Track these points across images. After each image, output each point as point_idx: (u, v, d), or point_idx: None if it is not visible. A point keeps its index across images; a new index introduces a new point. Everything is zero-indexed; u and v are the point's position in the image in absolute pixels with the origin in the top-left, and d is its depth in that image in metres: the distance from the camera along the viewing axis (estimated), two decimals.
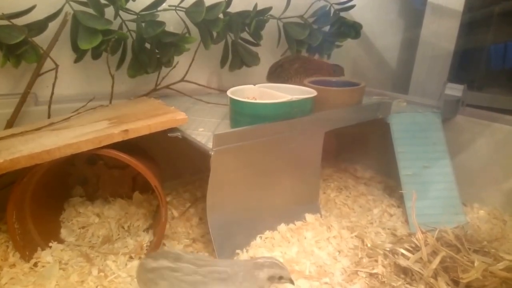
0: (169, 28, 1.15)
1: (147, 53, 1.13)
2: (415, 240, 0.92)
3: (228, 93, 0.95)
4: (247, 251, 0.93)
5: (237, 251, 0.92)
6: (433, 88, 1.60)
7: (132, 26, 1.11)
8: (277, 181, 1.01)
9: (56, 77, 1.04)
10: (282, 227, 1.02)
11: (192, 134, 0.92)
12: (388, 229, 1.08)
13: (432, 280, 0.82)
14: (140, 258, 0.91)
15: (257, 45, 1.33)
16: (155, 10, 1.11)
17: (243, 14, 1.25)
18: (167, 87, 1.22)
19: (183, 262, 0.71)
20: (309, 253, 0.94)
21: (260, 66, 1.34)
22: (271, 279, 0.70)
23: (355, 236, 1.01)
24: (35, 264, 0.87)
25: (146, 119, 0.89)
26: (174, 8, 1.15)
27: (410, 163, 1.15)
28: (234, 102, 0.94)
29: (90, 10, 1.02)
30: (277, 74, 1.25)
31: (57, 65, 1.03)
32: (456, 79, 1.46)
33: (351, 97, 1.14)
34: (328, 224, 1.05)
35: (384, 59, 1.82)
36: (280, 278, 0.71)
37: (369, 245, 0.95)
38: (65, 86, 1.13)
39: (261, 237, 0.98)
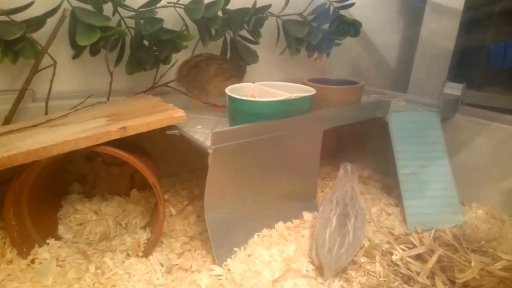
0: (168, 25, 1.15)
1: (145, 50, 1.13)
2: (412, 239, 0.92)
3: (227, 90, 0.95)
4: (244, 249, 0.93)
5: (235, 249, 0.92)
6: (432, 87, 1.60)
7: (131, 23, 1.11)
8: (275, 179, 1.01)
9: (54, 74, 1.04)
10: (280, 225, 1.02)
11: (190, 132, 0.92)
12: (386, 228, 1.08)
13: (429, 279, 0.82)
14: (137, 255, 0.91)
15: (256, 43, 1.33)
16: (153, 7, 1.10)
17: (242, 12, 1.24)
18: (165, 85, 1.22)
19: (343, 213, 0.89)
20: (306, 251, 0.94)
21: (259, 64, 1.33)
22: None
23: None
24: (32, 261, 0.87)
25: (144, 117, 0.89)
26: (173, 5, 1.15)
27: (409, 162, 1.15)
28: (232, 100, 0.94)
29: (89, 7, 1.02)
30: (192, 77, 1.11)
31: (55, 62, 1.03)
32: (455, 78, 1.46)
33: (350, 96, 1.14)
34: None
35: (383, 58, 1.82)
36: None
37: (366, 244, 0.95)
38: (63, 83, 1.13)
39: (258, 235, 0.98)
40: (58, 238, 0.97)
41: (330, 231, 0.85)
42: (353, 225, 0.86)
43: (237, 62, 1.20)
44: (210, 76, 1.11)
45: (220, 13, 1.18)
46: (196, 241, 0.99)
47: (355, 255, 0.89)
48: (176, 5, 1.15)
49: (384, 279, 0.85)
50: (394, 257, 0.89)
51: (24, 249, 0.88)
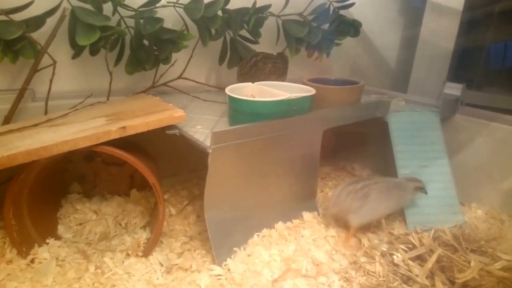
0: (168, 25, 1.15)
1: (145, 49, 1.13)
2: (412, 239, 0.92)
3: (227, 90, 0.95)
4: (244, 249, 0.93)
5: (235, 249, 0.92)
6: (432, 87, 1.60)
7: (131, 22, 1.10)
8: (275, 179, 1.01)
9: (53, 74, 1.04)
10: (280, 225, 1.02)
11: (190, 132, 0.92)
12: (385, 228, 1.08)
13: (428, 279, 0.82)
14: (137, 255, 0.91)
15: (255, 42, 1.33)
16: (153, 7, 1.10)
17: (242, 11, 1.24)
18: (165, 84, 1.22)
19: (365, 180, 1.02)
20: (306, 251, 0.94)
21: None
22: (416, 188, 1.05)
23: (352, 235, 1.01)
24: (32, 261, 0.87)
25: (144, 116, 0.89)
26: (172, 4, 1.15)
27: (408, 162, 1.15)
28: (232, 100, 0.94)
29: (89, 6, 1.01)
30: (251, 74, 1.20)
31: (54, 61, 1.03)
32: (455, 78, 1.46)
33: (349, 96, 1.14)
34: (325, 222, 1.05)
35: (383, 58, 1.82)
36: (421, 188, 1.05)
37: (366, 244, 0.95)
38: (63, 82, 1.13)
39: (258, 235, 0.98)
40: (57, 237, 0.96)
41: (341, 187, 1.01)
42: (359, 188, 0.98)
43: (282, 56, 1.28)
44: (266, 74, 1.19)
45: (220, 13, 1.18)
46: (195, 241, 0.99)
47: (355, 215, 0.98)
48: (176, 4, 1.15)
49: (384, 279, 0.85)
50: (394, 257, 0.89)
51: (24, 249, 0.88)
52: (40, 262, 0.87)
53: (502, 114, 1.19)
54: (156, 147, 1.10)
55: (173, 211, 1.11)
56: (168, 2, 1.14)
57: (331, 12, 1.42)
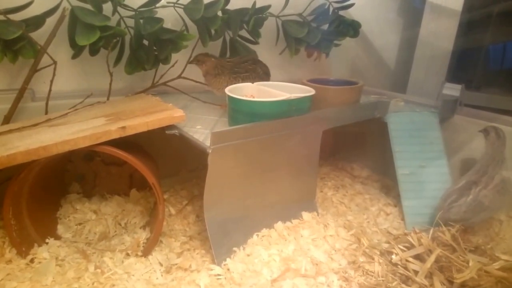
0: (167, 25, 1.15)
1: (145, 49, 1.13)
2: (410, 239, 0.93)
3: (226, 90, 0.95)
4: (243, 248, 0.93)
5: (234, 248, 0.92)
6: (431, 88, 1.61)
7: (130, 22, 1.11)
8: (274, 179, 1.01)
9: (54, 74, 1.04)
10: (279, 225, 1.02)
11: (190, 132, 0.92)
12: (384, 228, 1.08)
13: (427, 279, 0.82)
14: (136, 255, 0.91)
15: (255, 43, 1.33)
16: (153, 7, 1.10)
17: (241, 12, 1.24)
18: (165, 84, 1.22)
19: (474, 187, 1.00)
20: (305, 251, 0.94)
21: None
22: None
23: (352, 234, 1.01)
24: (32, 260, 0.87)
25: (143, 116, 0.89)
26: (172, 4, 1.15)
27: (407, 163, 1.15)
28: (232, 100, 0.94)
29: (88, 6, 1.02)
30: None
31: (55, 62, 1.03)
32: (454, 79, 1.46)
33: (349, 96, 1.14)
34: (324, 222, 1.05)
35: (382, 58, 1.82)
36: None
37: (365, 244, 0.95)
38: (63, 82, 1.13)
39: (258, 235, 0.98)
40: (57, 237, 0.97)
41: (454, 188, 1.02)
42: (477, 192, 0.98)
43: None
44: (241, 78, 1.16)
45: (219, 13, 1.18)
46: (195, 241, 0.99)
47: (474, 220, 1.01)
48: (175, 5, 1.15)
49: (383, 279, 0.85)
50: (393, 257, 0.89)
51: (23, 249, 0.88)
52: (39, 262, 0.87)
53: (501, 115, 1.19)
54: (156, 147, 1.10)
55: (172, 211, 1.12)
56: (168, 2, 1.15)
57: (330, 13, 1.42)
